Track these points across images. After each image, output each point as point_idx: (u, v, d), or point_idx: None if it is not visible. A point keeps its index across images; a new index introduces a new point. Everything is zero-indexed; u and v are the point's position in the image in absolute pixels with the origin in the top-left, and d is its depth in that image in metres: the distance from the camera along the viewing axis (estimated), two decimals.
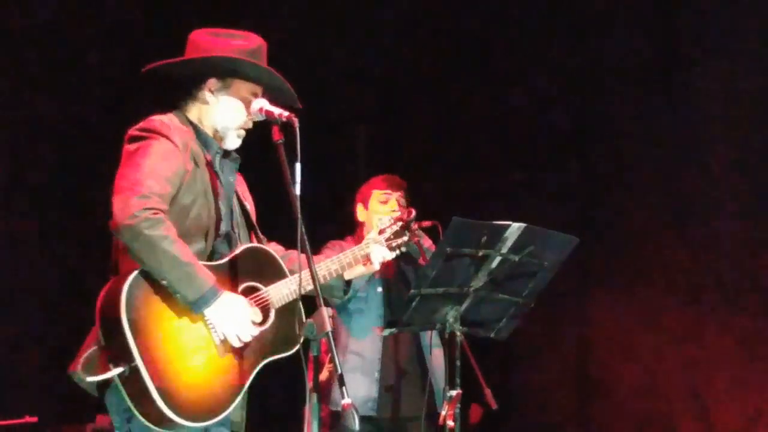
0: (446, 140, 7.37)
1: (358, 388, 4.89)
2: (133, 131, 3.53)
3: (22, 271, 6.61)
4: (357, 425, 3.23)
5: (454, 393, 4.04)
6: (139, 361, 3.28)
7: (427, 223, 4.81)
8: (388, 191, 5.07)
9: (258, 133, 3.79)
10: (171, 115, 3.64)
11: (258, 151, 3.76)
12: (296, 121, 3.55)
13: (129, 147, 3.49)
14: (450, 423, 4.01)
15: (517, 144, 7.13)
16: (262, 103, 3.68)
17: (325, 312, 3.30)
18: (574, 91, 6.96)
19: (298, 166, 3.49)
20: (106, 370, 3.34)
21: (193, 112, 3.72)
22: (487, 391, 4.54)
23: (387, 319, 4.93)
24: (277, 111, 3.62)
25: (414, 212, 4.15)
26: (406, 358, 5.03)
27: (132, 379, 3.30)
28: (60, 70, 6.66)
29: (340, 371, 3.28)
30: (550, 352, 6.97)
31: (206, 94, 3.69)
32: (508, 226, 3.96)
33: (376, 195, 5.08)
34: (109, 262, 3.60)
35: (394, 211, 4.90)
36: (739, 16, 6.34)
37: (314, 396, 3.41)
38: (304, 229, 3.46)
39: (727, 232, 6.32)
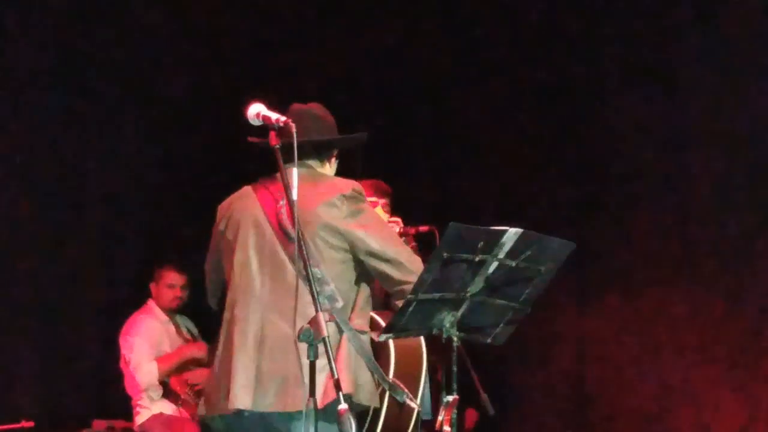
0: (444, 142, 7.37)
1: None
2: (353, 191, 3.82)
3: (20, 275, 6.61)
4: (354, 430, 3.22)
5: (450, 398, 4.04)
6: (420, 394, 3.78)
7: (424, 228, 4.81)
8: (374, 199, 5.00)
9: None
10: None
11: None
12: (293, 126, 3.57)
13: (363, 207, 3.82)
14: (447, 428, 4.01)
15: (515, 146, 7.13)
16: (259, 108, 3.69)
17: (322, 317, 3.31)
18: (573, 92, 6.96)
19: (294, 170, 3.51)
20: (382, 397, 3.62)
21: (320, 169, 3.96)
22: (484, 397, 4.53)
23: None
24: (274, 116, 3.65)
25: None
26: None
27: (404, 407, 3.56)
28: None
29: (336, 376, 3.28)
30: (547, 357, 6.97)
31: (332, 161, 4.01)
32: (505, 231, 3.95)
33: None
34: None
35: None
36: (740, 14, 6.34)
37: (311, 401, 3.42)
38: (302, 233, 3.48)
39: (727, 237, 6.31)
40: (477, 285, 4.04)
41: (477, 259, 3.96)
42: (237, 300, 3.75)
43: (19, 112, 6.62)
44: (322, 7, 7.47)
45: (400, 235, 4.89)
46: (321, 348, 3.47)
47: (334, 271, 3.69)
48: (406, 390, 3.36)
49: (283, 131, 3.61)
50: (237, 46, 7.39)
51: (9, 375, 6.47)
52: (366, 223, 3.76)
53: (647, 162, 6.67)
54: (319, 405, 3.52)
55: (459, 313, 4.09)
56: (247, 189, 3.92)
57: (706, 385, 6.32)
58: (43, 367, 6.66)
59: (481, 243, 3.93)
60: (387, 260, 3.70)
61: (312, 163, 3.93)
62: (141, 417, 6.37)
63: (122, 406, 6.50)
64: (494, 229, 3.95)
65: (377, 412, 3.36)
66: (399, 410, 3.50)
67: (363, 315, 3.67)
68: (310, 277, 3.40)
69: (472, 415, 6.65)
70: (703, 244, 6.40)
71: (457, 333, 4.10)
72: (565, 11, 6.95)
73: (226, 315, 3.80)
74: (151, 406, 6.37)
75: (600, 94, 6.87)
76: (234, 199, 3.94)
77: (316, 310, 3.32)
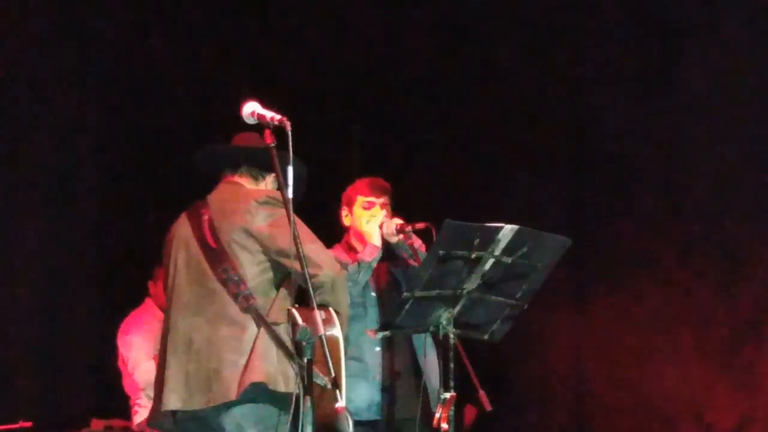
0: (441, 141, 7.37)
1: (361, 393, 4.86)
2: (266, 197, 3.95)
3: (21, 273, 6.61)
4: (351, 429, 3.22)
5: (448, 395, 4.05)
6: (343, 378, 3.72)
7: (420, 225, 4.80)
8: (372, 198, 4.97)
9: None
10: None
11: None
12: (288, 125, 3.59)
13: (276, 210, 3.90)
14: (444, 426, 4.02)
15: (514, 145, 7.12)
16: (254, 107, 3.71)
17: (318, 316, 3.31)
18: (572, 92, 6.96)
19: (290, 168, 3.54)
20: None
21: (252, 186, 4.13)
22: (482, 393, 4.52)
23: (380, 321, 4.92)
24: (269, 114, 3.66)
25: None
26: (401, 360, 5.01)
27: (328, 391, 3.53)
28: None
29: (333, 374, 3.28)
30: (545, 355, 6.96)
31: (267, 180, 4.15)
32: (501, 228, 3.96)
33: (360, 201, 5.00)
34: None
35: (374, 216, 4.90)
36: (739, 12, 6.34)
37: (308, 400, 3.42)
38: (297, 232, 3.49)
39: (726, 237, 6.31)
40: (473, 282, 4.05)
41: (473, 256, 3.97)
42: (170, 311, 4.04)
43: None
44: (312, 4, 7.47)
45: (398, 231, 4.89)
46: (246, 345, 3.78)
47: (251, 272, 3.89)
48: (326, 377, 3.49)
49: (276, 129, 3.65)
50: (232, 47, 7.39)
51: (7, 375, 6.46)
52: (277, 225, 3.89)
53: (645, 161, 6.66)
54: (236, 395, 3.76)
55: (455, 310, 4.10)
56: (182, 215, 4.18)
57: (704, 383, 6.31)
58: (41, 367, 6.65)
59: (477, 240, 3.94)
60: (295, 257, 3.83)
61: (243, 180, 4.13)
62: (139, 416, 6.36)
63: (121, 406, 6.50)
64: (490, 226, 3.96)
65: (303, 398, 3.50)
66: (321, 394, 3.57)
67: (280, 309, 3.81)
68: (304, 266, 3.46)
69: (471, 412, 6.66)
70: (702, 243, 6.38)
71: (454, 330, 4.11)
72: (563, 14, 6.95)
73: (164, 326, 4.09)
74: (149, 405, 6.35)
75: (600, 92, 6.85)
76: (173, 227, 4.20)
77: (311, 309, 3.33)
